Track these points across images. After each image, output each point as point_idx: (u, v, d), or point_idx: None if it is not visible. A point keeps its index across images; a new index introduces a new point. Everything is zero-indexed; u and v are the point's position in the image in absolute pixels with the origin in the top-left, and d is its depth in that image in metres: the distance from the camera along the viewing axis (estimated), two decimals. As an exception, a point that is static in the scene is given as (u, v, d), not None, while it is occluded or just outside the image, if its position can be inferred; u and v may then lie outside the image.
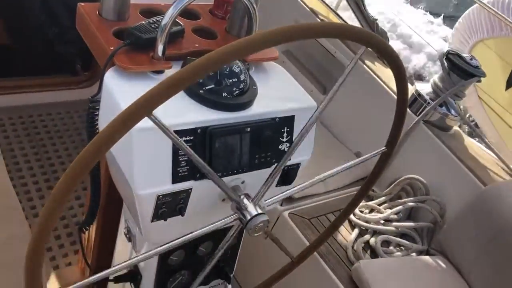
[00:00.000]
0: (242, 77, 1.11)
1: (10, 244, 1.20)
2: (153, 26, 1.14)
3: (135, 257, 0.87)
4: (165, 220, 1.09)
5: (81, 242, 1.34)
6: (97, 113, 1.14)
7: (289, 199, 1.80)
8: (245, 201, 1.05)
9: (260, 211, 1.00)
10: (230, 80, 1.09)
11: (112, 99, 1.04)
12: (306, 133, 1.05)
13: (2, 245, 1.18)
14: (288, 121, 1.19)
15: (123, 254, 1.41)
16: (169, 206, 1.07)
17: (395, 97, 1.11)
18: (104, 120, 1.12)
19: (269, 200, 1.09)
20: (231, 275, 1.47)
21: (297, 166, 1.27)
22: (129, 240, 1.33)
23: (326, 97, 1.09)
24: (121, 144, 1.03)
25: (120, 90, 1.04)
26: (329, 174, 1.16)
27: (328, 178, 1.93)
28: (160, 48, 1.09)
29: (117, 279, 1.35)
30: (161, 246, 0.90)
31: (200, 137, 1.04)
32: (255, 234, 1.05)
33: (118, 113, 1.00)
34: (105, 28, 1.17)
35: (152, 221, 1.09)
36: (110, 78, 1.07)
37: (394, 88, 1.09)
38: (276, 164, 1.19)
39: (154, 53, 1.10)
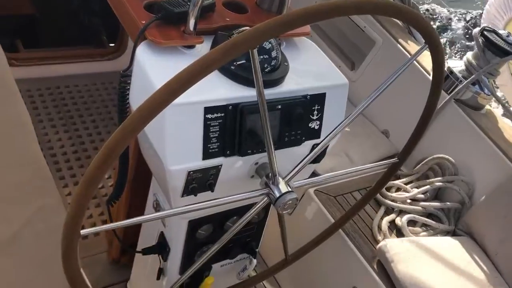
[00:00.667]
0: (273, 54, 1.09)
1: (43, 213, 1.22)
2: (184, 0, 1.13)
3: (166, 212, 0.90)
4: (195, 195, 1.09)
5: (110, 215, 1.36)
6: (128, 87, 1.14)
7: (314, 176, 1.79)
8: (276, 178, 1.04)
9: (290, 189, 1.00)
10: (261, 57, 1.08)
11: (144, 74, 1.03)
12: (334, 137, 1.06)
13: (36, 214, 1.21)
14: (319, 98, 1.18)
15: (151, 227, 1.44)
16: (199, 182, 1.08)
17: (426, 74, 1.08)
18: (135, 95, 1.12)
19: (299, 182, 1.09)
20: (257, 250, 1.49)
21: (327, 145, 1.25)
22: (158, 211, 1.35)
23: (374, 92, 1.07)
24: (153, 121, 1.04)
25: (152, 65, 1.03)
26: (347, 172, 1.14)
27: (354, 155, 1.94)
28: (191, 22, 1.08)
29: (146, 251, 1.37)
30: (189, 205, 0.92)
31: (231, 114, 1.03)
32: (284, 212, 1.05)
33: (150, 89, 1.00)
34: (136, 1, 1.15)
35: (182, 196, 1.10)
36: (142, 53, 1.06)
37: (424, 64, 1.06)
38: (307, 141, 1.18)
39: (185, 28, 1.09)
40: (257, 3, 1.30)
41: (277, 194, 1.00)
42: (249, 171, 1.16)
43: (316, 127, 1.20)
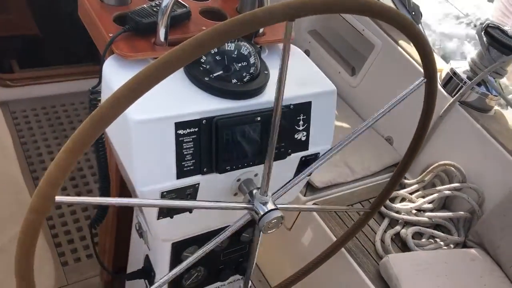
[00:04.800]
0: (252, 60, 1.02)
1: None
2: (155, 9, 1.06)
3: (133, 200, 0.83)
4: (171, 217, 1.02)
5: (92, 238, 1.29)
6: (99, 105, 1.08)
7: (313, 189, 1.70)
8: (257, 196, 0.97)
9: (275, 207, 0.93)
10: (239, 65, 1.01)
11: (111, 90, 0.97)
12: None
13: (10, 244, 1.15)
14: (304, 108, 1.10)
15: (137, 250, 1.37)
16: None
17: None
18: None
19: (286, 205, 1.02)
20: (251, 271, 1.40)
21: (315, 156, 1.17)
22: (140, 236, 1.28)
23: (380, 111, 1.04)
24: (121, 137, 0.97)
25: (119, 80, 0.97)
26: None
27: (355, 165, 1.84)
28: (162, 32, 1.01)
29: (130, 276, 1.30)
30: (163, 200, 0.89)
31: (205, 129, 0.96)
32: (269, 231, 0.97)
33: None
34: (105, 14, 1.10)
35: (158, 218, 1.02)
36: (109, 67, 1.00)
37: None
38: (294, 154, 1.10)
39: (156, 39, 1.03)
40: (238, 10, 1.23)
41: (261, 212, 0.94)
42: (231, 189, 1.08)
43: (303, 138, 1.12)
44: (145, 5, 1.08)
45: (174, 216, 1.04)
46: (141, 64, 1.01)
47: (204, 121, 0.96)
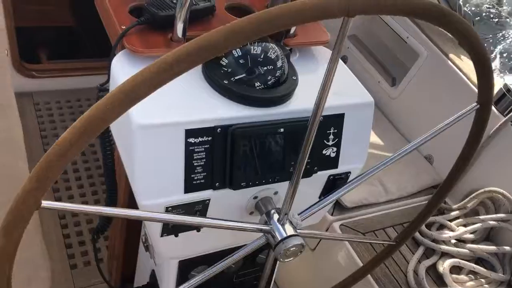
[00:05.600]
0: (279, 64, 0.89)
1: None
2: (174, 1, 0.95)
3: (131, 211, 0.73)
4: (176, 235, 0.90)
5: (95, 247, 1.19)
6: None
7: (342, 208, 1.55)
8: (276, 217, 0.85)
9: (296, 233, 0.82)
10: (265, 68, 0.88)
11: None
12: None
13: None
14: (336, 120, 0.96)
15: (144, 264, 1.26)
16: None
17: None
18: None
19: (308, 232, 0.89)
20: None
21: (346, 175, 1.03)
22: (146, 249, 1.17)
23: (425, 136, 0.90)
24: (125, 142, 0.86)
25: (125, 79, 0.86)
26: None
27: (390, 185, 1.68)
28: (179, 27, 0.90)
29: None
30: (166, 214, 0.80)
31: (220, 138, 0.84)
32: (286, 260, 0.85)
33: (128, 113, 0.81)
34: (121, 4, 0.99)
35: (161, 235, 0.91)
36: (117, 64, 0.89)
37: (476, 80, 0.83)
38: (320, 172, 0.97)
39: (173, 34, 0.91)
40: (268, 7, 1.11)
41: (279, 237, 0.82)
42: (247, 207, 0.96)
43: (332, 155, 0.99)
44: None
45: (180, 234, 0.92)
46: (153, 61, 0.90)
47: (218, 129, 0.84)
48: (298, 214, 0.89)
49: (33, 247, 1.10)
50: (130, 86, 0.53)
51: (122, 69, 0.88)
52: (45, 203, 0.56)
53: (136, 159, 0.81)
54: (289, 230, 0.84)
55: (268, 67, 0.89)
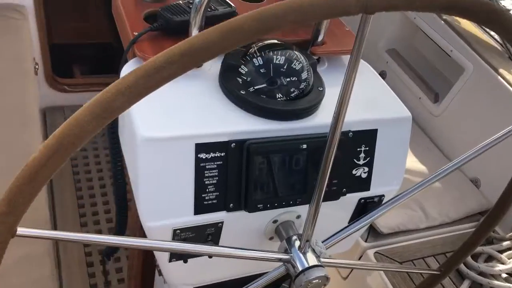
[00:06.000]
0: (304, 76, 0.80)
1: (24, 265, 1.01)
2: (190, 6, 0.88)
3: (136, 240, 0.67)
4: (185, 261, 0.81)
5: (104, 270, 1.12)
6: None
7: (376, 234, 1.42)
8: (297, 244, 0.76)
9: (319, 263, 0.73)
10: (288, 79, 0.79)
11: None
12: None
13: (16, 266, 1.00)
14: (368, 136, 0.86)
15: (159, 286, 1.18)
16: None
17: None
18: (121, 128, 0.89)
19: (334, 261, 0.79)
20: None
21: (379, 199, 0.92)
22: (160, 273, 1.09)
23: (470, 152, 0.80)
24: (131, 157, 0.79)
25: None
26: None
27: (431, 210, 1.54)
28: (194, 33, 0.82)
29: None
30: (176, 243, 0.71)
31: (234, 154, 0.76)
32: None
33: (129, 124, 0.74)
34: (135, 10, 0.93)
35: (170, 261, 0.82)
36: (126, 73, 0.82)
37: None
38: (350, 194, 0.86)
39: (187, 40, 0.84)
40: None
41: (300, 267, 0.73)
42: (265, 232, 0.86)
43: (364, 176, 0.88)
44: (180, 1, 0.90)
45: (190, 260, 0.83)
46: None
47: (233, 144, 0.75)
48: (323, 242, 0.79)
49: (43, 267, 1.04)
50: (111, 95, 0.45)
51: None
52: (20, 230, 0.49)
53: (140, 176, 0.73)
54: (311, 260, 0.74)
55: (291, 78, 0.80)
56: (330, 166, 0.66)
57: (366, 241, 1.41)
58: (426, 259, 1.41)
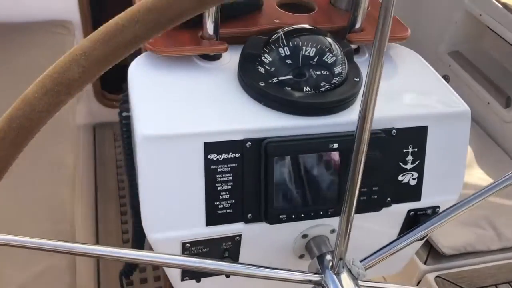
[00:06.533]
0: (337, 70, 0.69)
1: (44, 279, 0.95)
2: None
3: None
4: (198, 281, 0.71)
5: None
6: (128, 115, 0.83)
7: (438, 256, 1.24)
8: (330, 263, 0.63)
9: (351, 286, 0.61)
10: (318, 72, 0.68)
11: (131, 98, 0.70)
12: None
13: (36, 279, 0.94)
14: (416, 135, 0.72)
15: None
16: None
17: None
18: (132, 125, 0.80)
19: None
20: None
21: (433, 211, 0.77)
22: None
23: None
24: (136, 161, 0.71)
25: (143, 85, 0.70)
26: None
27: (504, 228, 1.33)
28: (209, 23, 0.73)
29: None
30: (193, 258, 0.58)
31: (251, 155, 0.65)
32: None
33: (134, 120, 0.65)
34: None
35: (182, 279, 0.72)
36: (136, 67, 0.74)
37: None
38: (396, 204, 0.72)
39: (203, 31, 0.75)
40: (332, 2, 0.90)
41: None
42: (294, 248, 0.74)
43: (413, 182, 0.74)
44: None
45: (205, 280, 0.72)
46: (182, 64, 0.74)
47: (248, 143, 0.64)
48: (361, 261, 0.65)
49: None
50: (63, 64, 0.36)
51: (141, 72, 0.73)
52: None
53: (141, 179, 0.64)
54: (347, 283, 0.61)
55: (322, 72, 0.69)
56: (361, 170, 0.53)
57: (425, 263, 1.23)
58: (500, 286, 1.20)
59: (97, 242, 1.67)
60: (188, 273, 0.71)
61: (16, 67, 1.45)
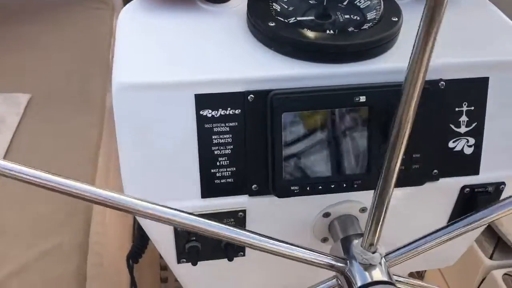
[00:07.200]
0: (370, 15, 0.57)
1: (47, 259, 0.88)
2: None
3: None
4: (194, 263, 0.60)
5: (132, 275, 0.93)
6: None
7: (506, 249, 1.04)
8: (358, 249, 0.50)
9: (381, 278, 0.48)
10: (347, 17, 0.56)
11: (116, 47, 0.59)
12: None
13: (38, 260, 0.87)
14: (472, 89, 0.57)
15: None
16: (205, 240, 0.58)
17: None
18: None
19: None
20: None
21: (496, 188, 0.61)
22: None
23: None
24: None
25: (131, 31, 0.59)
26: None
27: None
28: None
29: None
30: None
31: (254, 111, 0.53)
32: None
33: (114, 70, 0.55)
34: None
35: (179, 261, 0.61)
36: (126, 14, 0.63)
37: None
38: (444, 178, 0.58)
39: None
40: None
41: (359, 281, 0.49)
42: (313, 229, 0.61)
43: (468, 151, 0.60)
44: None
45: (203, 265, 0.61)
46: (183, 9, 0.62)
47: (250, 96, 0.52)
48: (397, 250, 0.51)
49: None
50: None
51: (132, 17, 0.61)
52: None
53: (119, 141, 0.53)
54: (376, 274, 0.48)
55: (352, 16, 0.55)
56: (408, 132, 0.40)
57: (491, 258, 1.04)
58: None
59: None
60: (185, 255, 0.60)
61: (55, 43, 1.41)
